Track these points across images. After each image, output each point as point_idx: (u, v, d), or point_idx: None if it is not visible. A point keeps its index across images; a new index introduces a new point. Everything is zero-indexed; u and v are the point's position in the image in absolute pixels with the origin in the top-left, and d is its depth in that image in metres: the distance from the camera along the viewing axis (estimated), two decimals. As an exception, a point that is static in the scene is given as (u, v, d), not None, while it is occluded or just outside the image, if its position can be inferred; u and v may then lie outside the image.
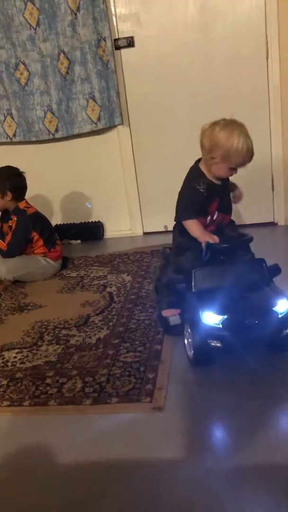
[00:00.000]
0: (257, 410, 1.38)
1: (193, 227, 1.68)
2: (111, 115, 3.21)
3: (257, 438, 1.27)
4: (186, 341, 1.65)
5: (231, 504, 1.08)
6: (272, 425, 1.32)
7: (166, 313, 1.76)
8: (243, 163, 1.66)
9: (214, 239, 1.61)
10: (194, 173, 1.74)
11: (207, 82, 3.14)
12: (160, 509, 1.09)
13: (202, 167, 1.74)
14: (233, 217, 1.90)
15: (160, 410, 1.43)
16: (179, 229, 1.80)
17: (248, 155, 1.63)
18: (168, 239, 1.93)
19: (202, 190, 1.69)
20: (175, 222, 1.83)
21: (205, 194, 1.69)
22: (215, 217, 1.76)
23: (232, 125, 1.64)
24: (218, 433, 1.36)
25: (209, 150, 1.66)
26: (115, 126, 3.29)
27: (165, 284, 1.82)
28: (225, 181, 1.77)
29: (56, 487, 1.22)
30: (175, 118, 3.20)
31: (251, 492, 1.10)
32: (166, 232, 3.25)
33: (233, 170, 1.68)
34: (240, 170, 1.76)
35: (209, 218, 1.75)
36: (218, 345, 1.49)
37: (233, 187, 1.86)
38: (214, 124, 1.66)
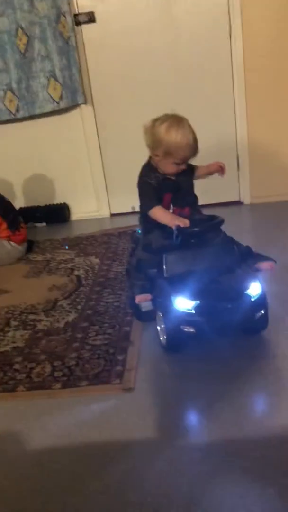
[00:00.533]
0: (227, 391, 1.39)
1: (159, 213, 1.66)
2: (73, 93, 3.13)
3: (227, 417, 1.29)
4: (158, 327, 1.64)
5: (207, 480, 1.10)
6: (241, 405, 1.34)
7: (139, 298, 1.74)
8: (185, 157, 1.63)
9: (185, 222, 1.60)
10: (146, 168, 1.73)
11: (171, 59, 3.11)
12: (136, 491, 1.10)
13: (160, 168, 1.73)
14: (199, 196, 1.89)
15: (131, 391, 1.43)
16: (143, 218, 1.79)
17: (188, 148, 1.61)
18: (136, 220, 1.91)
19: (154, 184, 1.69)
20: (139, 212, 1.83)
21: (156, 186, 1.69)
22: (170, 211, 1.74)
23: (171, 120, 1.62)
24: (189, 412, 1.37)
25: (152, 147, 1.66)
26: (78, 105, 3.22)
27: (135, 266, 1.80)
28: (183, 175, 1.74)
29: (27, 472, 1.20)
30: (140, 96, 3.15)
31: (224, 468, 1.12)
32: (134, 213, 3.22)
33: (179, 164, 1.66)
34: (205, 150, 1.74)
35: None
36: (191, 330, 1.48)
37: (209, 169, 1.83)
38: (154, 120, 1.65)
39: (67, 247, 1.86)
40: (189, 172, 1.75)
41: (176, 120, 1.62)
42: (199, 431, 1.29)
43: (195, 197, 1.80)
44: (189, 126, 1.62)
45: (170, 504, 1.04)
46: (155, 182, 1.69)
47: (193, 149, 1.62)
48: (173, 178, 1.70)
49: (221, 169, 1.81)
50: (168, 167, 1.67)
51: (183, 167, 1.67)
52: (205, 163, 1.83)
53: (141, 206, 1.76)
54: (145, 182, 1.71)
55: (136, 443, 1.24)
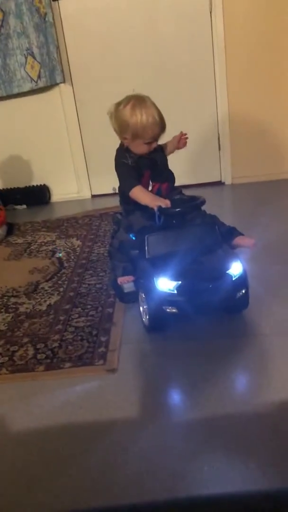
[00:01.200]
0: (209, 370, 1.41)
1: (140, 194, 1.65)
2: (52, 72, 3.06)
3: (209, 395, 1.31)
4: (141, 308, 1.65)
5: (190, 457, 1.11)
6: (223, 383, 1.35)
7: (121, 280, 1.74)
8: (154, 136, 1.62)
9: (166, 203, 1.59)
10: (120, 151, 1.72)
11: (151, 37, 3.06)
12: (120, 469, 1.11)
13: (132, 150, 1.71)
14: (181, 177, 1.88)
15: (114, 372, 1.44)
16: (123, 200, 1.78)
17: (155, 126, 1.59)
18: (117, 201, 1.90)
19: (130, 164, 1.68)
20: (117, 193, 1.82)
21: (134, 165, 1.68)
22: (150, 188, 1.74)
23: (133, 101, 1.61)
24: (172, 391, 1.39)
25: (119, 131, 1.66)
26: (57, 84, 3.15)
27: (118, 248, 1.79)
28: (156, 152, 1.72)
29: (11, 454, 1.21)
30: (119, 74, 3.10)
31: (207, 444, 1.14)
32: (115, 194, 3.19)
33: (150, 144, 1.64)
34: (186, 130, 1.73)
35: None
36: (174, 311, 1.49)
37: (173, 143, 1.82)
38: (117, 104, 1.65)
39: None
40: (161, 148, 1.75)
41: (139, 101, 1.60)
42: (182, 409, 1.31)
43: (172, 173, 1.79)
44: (152, 103, 1.61)
45: (154, 480, 1.06)
46: (132, 162, 1.68)
47: (160, 126, 1.61)
48: (147, 156, 1.69)
49: (180, 139, 1.79)
50: (140, 148, 1.65)
51: (154, 145, 1.65)
52: (188, 144, 1.82)
53: (120, 188, 1.74)
54: (122, 164, 1.69)
55: (120, 422, 1.26)
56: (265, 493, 0.96)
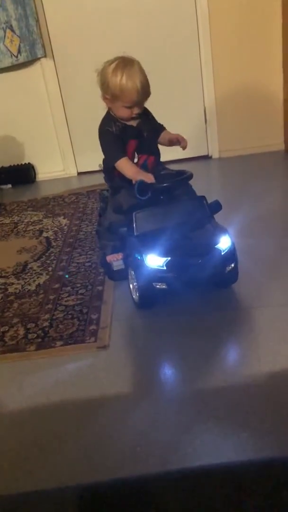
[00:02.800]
0: (200, 344, 1.42)
1: (125, 166, 1.62)
2: (32, 46, 2.98)
3: (200, 369, 1.32)
4: (131, 285, 1.65)
5: (183, 430, 1.13)
6: (214, 357, 1.37)
7: (110, 258, 1.73)
8: (133, 101, 1.58)
9: (150, 177, 1.57)
10: (106, 118, 1.69)
11: (134, 9, 2.98)
12: (114, 445, 1.12)
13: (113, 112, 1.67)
14: (167, 152, 1.86)
15: (105, 349, 1.45)
16: (108, 176, 1.76)
17: (135, 91, 1.55)
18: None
19: (115, 132, 1.65)
20: (102, 170, 1.79)
21: (119, 134, 1.65)
22: (135, 159, 1.71)
23: (119, 61, 1.57)
24: (164, 366, 1.40)
25: (102, 89, 1.63)
26: (38, 59, 3.07)
27: (107, 228, 1.78)
28: (144, 122, 1.69)
29: (5, 433, 1.21)
30: (102, 47, 2.99)
31: (200, 417, 1.16)
32: (101, 171, 3.16)
33: (131, 108, 1.60)
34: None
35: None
36: (163, 287, 1.49)
37: (171, 138, 1.76)
38: (106, 62, 1.62)
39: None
40: (150, 121, 1.71)
41: (124, 62, 1.57)
42: (174, 384, 1.32)
43: (158, 151, 1.76)
44: (140, 69, 1.57)
45: (148, 455, 1.07)
46: (117, 130, 1.65)
47: (142, 92, 1.57)
48: (134, 125, 1.66)
49: (179, 142, 1.75)
50: (120, 111, 1.62)
51: (136, 111, 1.61)
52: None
53: (105, 160, 1.71)
54: (106, 132, 1.66)
55: (112, 399, 1.26)
56: (257, 462, 0.98)
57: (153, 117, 1.75)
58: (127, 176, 1.61)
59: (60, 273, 1.94)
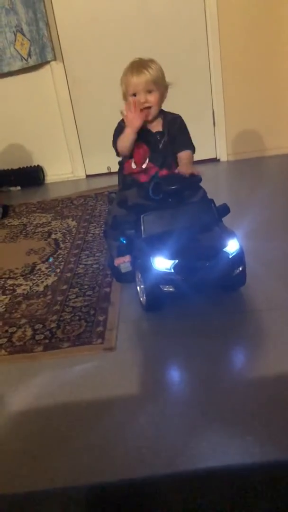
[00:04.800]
0: (206, 346, 1.42)
1: (120, 139, 1.67)
2: (42, 49, 3.00)
3: (206, 371, 1.32)
4: (138, 288, 1.64)
5: (189, 432, 1.13)
6: (220, 359, 1.37)
7: (118, 261, 1.73)
8: (134, 84, 1.60)
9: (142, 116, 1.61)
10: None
11: (143, 11, 2.99)
12: (120, 446, 1.13)
13: None
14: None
15: (112, 350, 1.45)
16: (121, 174, 1.77)
17: (135, 75, 1.58)
18: (112, 181, 1.89)
19: (124, 125, 1.67)
20: (118, 166, 1.80)
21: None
22: (144, 165, 1.71)
23: (133, 60, 1.64)
24: (170, 368, 1.40)
25: (121, 87, 1.67)
26: (48, 62, 3.09)
27: (111, 225, 1.78)
28: (165, 134, 1.68)
29: (11, 433, 1.22)
30: (112, 51, 3.04)
31: (205, 419, 1.16)
32: (110, 173, 3.18)
33: (136, 97, 1.62)
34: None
35: (136, 165, 1.72)
36: (171, 289, 1.49)
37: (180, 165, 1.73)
38: None
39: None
40: (176, 137, 1.70)
41: (136, 59, 1.63)
42: (180, 386, 1.33)
43: (175, 163, 1.75)
44: (150, 61, 1.62)
45: (154, 456, 1.07)
46: None
47: (143, 76, 1.58)
48: (151, 130, 1.67)
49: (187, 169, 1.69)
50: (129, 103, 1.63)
51: (142, 98, 1.61)
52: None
53: (113, 144, 1.75)
54: (119, 124, 1.71)
55: (118, 400, 1.27)
56: (262, 465, 0.98)
57: (184, 134, 1.72)
58: (128, 139, 1.64)
59: (68, 274, 1.95)
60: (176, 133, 1.69)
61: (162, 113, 1.71)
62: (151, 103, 1.62)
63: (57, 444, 1.16)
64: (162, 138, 1.68)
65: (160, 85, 1.62)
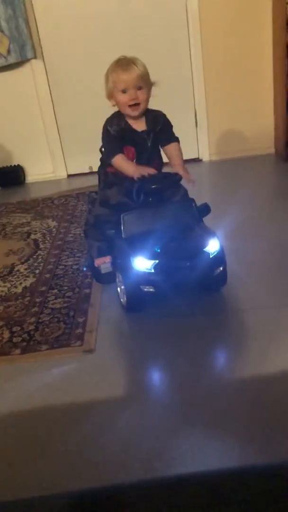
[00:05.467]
0: (187, 347, 1.40)
1: (122, 163, 1.61)
2: (22, 47, 2.96)
3: (187, 373, 1.30)
4: (118, 289, 1.62)
5: (168, 435, 1.11)
6: (201, 361, 1.35)
7: (98, 262, 1.70)
8: (124, 80, 1.57)
9: (150, 171, 1.56)
10: (112, 116, 1.68)
11: (124, 8, 2.97)
12: (98, 450, 1.10)
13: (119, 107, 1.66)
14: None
15: (92, 352, 1.43)
16: (103, 171, 1.74)
17: (125, 71, 1.56)
18: (94, 180, 1.85)
19: (113, 132, 1.64)
20: (99, 165, 1.77)
21: (116, 135, 1.64)
22: None
23: (119, 57, 1.61)
24: (150, 370, 1.38)
25: (106, 88, 1.64)
26: (28, 60, 3.05)
27: (93, 224, 1.76)
28: (151, 131, 1.67)
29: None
30: (93, 48, 3.01)
31: (185, 422, 1.14)
32: (91, 173, 3.15)
33: (127, 93, 1.59)
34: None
35: None
36: (151, 290, 1.47)
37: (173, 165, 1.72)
38: None
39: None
40: (160, 132, 1.68)
41: (122, 57, 1.61)
42: (161, 388, 1.31)
43: (161, 161, 1.73)
44: (137, 59, 1.60)
45: (132, 460, 1.05)
46: (115, 130, 1.64)
47: (133, 72, 1.56)
48: (137, 129, 1.65)
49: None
50: (119, 99, 1.60)
51: (133, 95, 1.58)
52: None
53: (103, 157, 1.71)
54: (105, 131, 1.66)
55: (98, 403, 1.24)
56: (242, 468, 0.97)
57: (168, 129, 1.71)
58: (125, 173, 1.60)
59: (48, 275, 1.91)
60: (160, 129, 1.68)
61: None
62: (141, 99, 1.60)
63: (34, 449, 1.13)
64: (148, 137, 1.66)
65: (148, 82, 1.61)
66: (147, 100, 1.62)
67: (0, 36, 2.90)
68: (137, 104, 1.60)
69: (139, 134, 1.65)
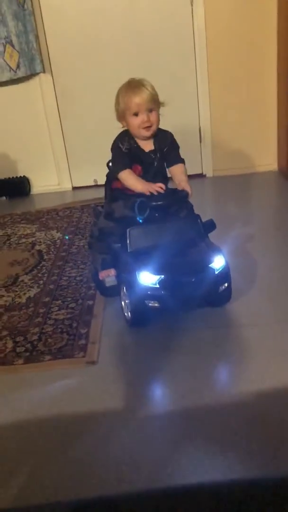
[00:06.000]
0: (189, 361, 1.41)
1: (129, 178, 1.64)
2: (31, 61, 3.01)
3: (189, 387, 1.31)
4: (122, 303, 1.63)
5: (170, 448, 1.12)
6: (203, 375, 1.36)
7: (103, 274, 1.71)
8: (136, 104, 1.60)
9: (157, 187, 1.58)
10: (122, 133, 1.71)
11: (132, 25, 3.03)
12: (100, 462, 1.11)
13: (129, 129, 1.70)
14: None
15: (94, 364, 1.43)
16: (109, 186, 1.77)
17: (137, 94, 1.59)
18: (98, 193, 1.88)
19: (124, 150, 1.67)
20: (106, 180, 1.79)
21: (126, 152, 1.67)
22: None
23: (129, 80, 1.65)
24: (153, 383, 1.39)
25: (116, 110, 1.67)
26: (37, 74, 3.10)
27: (97, 236, 1.77)
28: (158, 151, 1.69)
29: (-10, 448, 1.19)
30: (100, 64, 3.06)
31: (187, 435, 1.15)
32: (96, 186, 3.18)
33: (139, 116, 1.61)
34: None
35: None
36: (156, 305, 1.48)
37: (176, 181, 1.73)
38: None
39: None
40: (167, 152, 1.70)
41: (132, 79, 1.64)
42: (162, 401, 1.32)
43: (167, 181, 1.74)
44: (146, 80, 1.63)
45: (134, 472, 1.06)
46: (126, 148, 1.67)
47: (144, 96, 1.59)
48: (145, 149, 1.68)
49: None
50: (131, 122, 1.63)
51: (144, 117, 1.61)
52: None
53: (111, 170, 1.73)
54: (116, 146, 1.69)
55: (100, 415, 1.25)
56: (240, 483, 0.97)
57: (175, 150, 1.73)
58: (134, 189, 1.62)
59: (52, 286, 1.93)
60: (167, 149, 1.70)
61: None
62: (153, 121, 1.63)
63: (37, 459, 1.14)
64: (155, 157, 1.69)
65: (158, 103, 1.64)
66: (158, 121, 1.66)
67: (11, 51, 2.95)
68: (149, 126, 1.63)
69: (146, 154, 1.68)
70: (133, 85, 1.62)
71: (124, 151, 1.67)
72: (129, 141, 1.67)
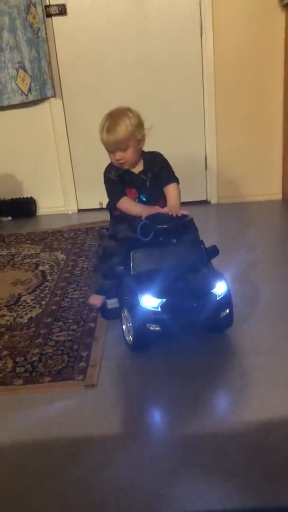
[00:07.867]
0: (190, 387, 1.40)
1: (127, 205, 1.65)
2: (42, 86, 3.08)
3: (189, 413, 1.30)
4: (124, 326, 1.63)
5: (168, 476, 1.10)
6: (203, 402, 1.35)
7: (92, 298, 1.74)
8: (109, 145, 1.62)
9: (154, 210, 1.59)
10: (109, 165, 1.73)
11: (142, 54, 3.10)
12: (96, 488, 1.09)
13: None
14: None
15: (94, 387, 1.42)
16: (112, 213, 1.79)
17: (109, 136, 1.60)
18: (104, 216, 1.90)
19: (113, 178, 1.69)
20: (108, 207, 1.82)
21: (116, 179, 1.69)
22: None
23: (106, 115, 1.65)
24: (152, 409, 1.37)
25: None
26: (47, 98, 3.17)
27: (100, 257, 1.78)
28: (149, 171, 1.70)
29: (-15, 470, 1.18)
30: (109, 91, 3.13)
31: (186, 463, 1.13)
32: (102, 209, 3.21)
33: (113, 153, 1.64)
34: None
35: None
36: (157, 329, 1.47)
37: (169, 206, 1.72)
38: None
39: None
40: (159, 172, 1.71)
41: (110, 115, 1.64)
42: (161, 428, 1.30)
43: (164, 200, 1.75)
44: (125, 115, 1.61)
45: (131, 500, 1.04)
46: (115, 175, 1.69)
47: (115, 137, 1.59)
48: (134, 171, 1.70)
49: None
50: (109, 156, 1.67)
51: (118, 156, 1.62)
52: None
53: (108, 203, 1.75)
54: (106, 178, 1.71)
55: (98, 440, 1.23)
56: (245, 509, 0.95)
57: (166, 168, 1.73)
58: (133, 214, 1.64)
59: (54, 307, 1.93)
60: (159, 170, 1.71)
61: (141, 154, 1.72)
62: (126, 159, 1.64)
63: (32, 483, 1.12)
64: (146, 177, 1.71)
65: (134, 139, 1.62)
66: (135, 154, 1.65)
67: (23, 75, 3.03)
68: (124, 162, 1.66)
69: (137, 176, 1.70)
70: (110, 123, 1.61)
71: (114, 179, 1.68)
72: (116, 168, 1.69)
